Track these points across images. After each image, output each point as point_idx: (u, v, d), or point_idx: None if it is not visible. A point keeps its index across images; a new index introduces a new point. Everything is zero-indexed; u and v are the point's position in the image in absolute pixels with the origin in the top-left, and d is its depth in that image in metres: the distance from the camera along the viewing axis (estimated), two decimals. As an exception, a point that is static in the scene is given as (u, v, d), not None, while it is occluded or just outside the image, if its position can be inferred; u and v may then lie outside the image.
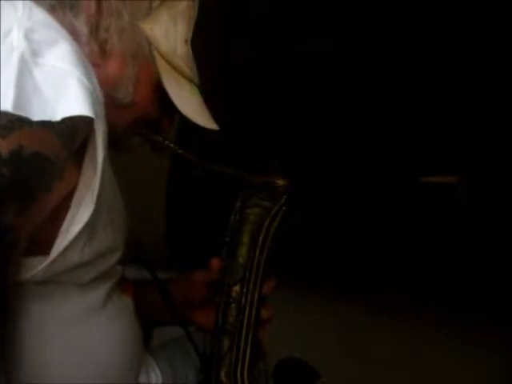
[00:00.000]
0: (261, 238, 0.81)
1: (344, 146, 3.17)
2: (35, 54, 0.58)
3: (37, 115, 0.55)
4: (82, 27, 0.72)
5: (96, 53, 0.73)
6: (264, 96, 3.00)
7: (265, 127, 3.00)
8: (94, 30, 0.73)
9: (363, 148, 3.18)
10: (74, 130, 0.59)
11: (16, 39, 0.58)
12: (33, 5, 0.63)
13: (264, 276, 0.82)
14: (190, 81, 0.82)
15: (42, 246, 0.63)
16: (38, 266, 0.63)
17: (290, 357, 1.17)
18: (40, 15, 0.63)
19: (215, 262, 0.85)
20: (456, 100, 2.99)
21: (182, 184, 2.94)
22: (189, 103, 0.81)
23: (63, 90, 0.58)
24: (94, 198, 0.63)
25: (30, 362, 0.67)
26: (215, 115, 0.86)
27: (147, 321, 0.87)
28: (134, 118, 0.80)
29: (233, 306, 0.82)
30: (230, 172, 0.84)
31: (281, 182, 0.83)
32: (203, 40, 0.86)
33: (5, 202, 0.54)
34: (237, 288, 0.82)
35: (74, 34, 0.69)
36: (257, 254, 0.81)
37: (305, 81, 3.03)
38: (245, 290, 0.81)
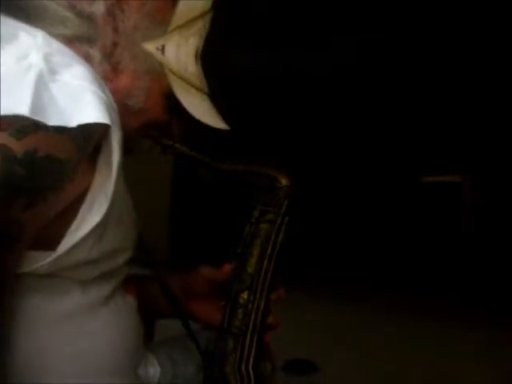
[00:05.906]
0: (269, 251, 0.84)
1: (346, 147, 3.18)
2: (52, 72, 0.62)
3: (52, 122, 0.59)
4: (96, 53, 0.75)
5: (108, 70, 0.76)
6: (270, 99, 3.01)
7: (269, 130, 3.01)
8: (108, 55, 0.76)
9: (364, 148, 3.19)
10: (89, 134, 0.63)
11: (35, 59, 0.62)
12: (50, 37, 0.68)
13: (272, 285, 0.85)
14: (200, 90, 0.86)
15: (50, 241, 0.66)
16: (43, 260, 0.66)
17: (296, 358, 1.19)
18: (57, 44, 0.68)
19: (227, 267, 0.88)
20: (458, 100, 2.99)
21: (187, 185, 2.95)
22: (199, 108, 0.85)
23: (79, 101, 0.61)
24: (109, 199, 0.66)
25: (25, 353, 0.70)
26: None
27: (149, 312, 0.89)
28: (144, 123, 0.83)
29: (239, 310, 0.83)
30: (242, 169, 0.87)
31: (284, 182, 0.86)
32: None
33: (15, 197, 0.59)
34: (244, 295, 0.84)
35: (88, 59, 0.72)
36: (264, 265, 0.84)
37: (309, 84, 3.04)
38: (252, 297, 0.83)
